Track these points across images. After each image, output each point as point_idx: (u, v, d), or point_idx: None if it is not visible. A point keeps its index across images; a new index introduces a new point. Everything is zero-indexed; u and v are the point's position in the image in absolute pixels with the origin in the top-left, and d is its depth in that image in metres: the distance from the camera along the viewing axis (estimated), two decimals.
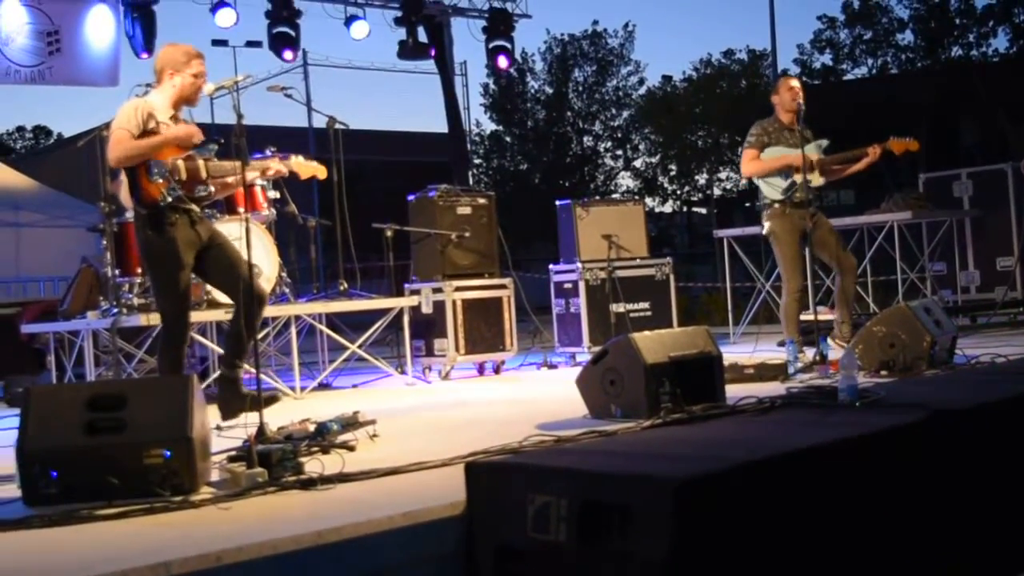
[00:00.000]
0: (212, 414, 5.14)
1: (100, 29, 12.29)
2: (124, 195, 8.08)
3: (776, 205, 8.15)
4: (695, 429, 4.94)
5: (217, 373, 8.71)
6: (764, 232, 8.31)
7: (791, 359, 7.34)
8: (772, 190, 8.19)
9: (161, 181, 6.05)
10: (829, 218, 8.57)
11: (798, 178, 8.06)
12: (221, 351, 8.41)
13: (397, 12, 15.52)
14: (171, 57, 6.26)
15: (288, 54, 14.31)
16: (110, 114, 6.26)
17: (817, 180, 8.15)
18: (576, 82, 43.25)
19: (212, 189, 6.34)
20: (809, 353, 7.67)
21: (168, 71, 6.26)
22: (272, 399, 6.34)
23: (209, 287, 7.81)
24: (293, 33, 14.09)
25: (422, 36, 16.22)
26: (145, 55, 12.52)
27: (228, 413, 6.31)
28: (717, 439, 4.50)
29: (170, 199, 6.07)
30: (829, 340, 8.06)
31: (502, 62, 16.19)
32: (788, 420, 4.88)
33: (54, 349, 9.25)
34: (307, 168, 6.99)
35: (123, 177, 6.54)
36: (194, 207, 6.23)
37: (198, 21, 18.84)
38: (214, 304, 8.01)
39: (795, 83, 8.34)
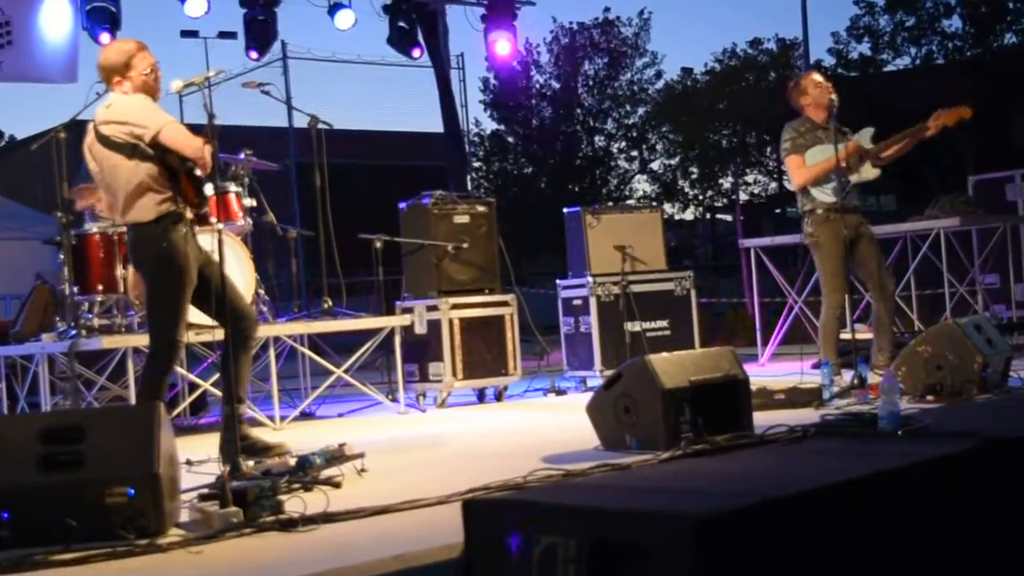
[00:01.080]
0: (181, 448, 5.15)
1: (56, 20, 12.32)
2: (87, 202, 8.11)
3: (820, 211, 8.15)
4: (719, 461, 4.94)
5: (188, 401, 8.76)
6: (804, 239, 8.31)
7: (826, 383, 7.33)
8: (824, 194, 8.17)
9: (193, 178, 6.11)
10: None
11: (853, 178, 8.10)
12: (207, 386, 8.43)
13: None
14: (111, 63, 6.26)
15: (253, 54, 14.34)
16: (67, 113, 6.29)
17: (870, 172, 8.15)
18: (586, 76, 43.31)
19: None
20: (846, 376, 7.67)
21: (115, 78, 6.27)
22: (279, 449, 6.33)
23: None
24: (269, 22, 14.11)
25: (415, 26, 16.22)
26: (106, 35, 12.52)
27: (230, 457, 6.22)
28: (743, 472, 4.50)
29: (202, 198, 6.20)
30: (871, 362, 8.06)
31: (502, 48, 16.18)
32: (822, 451, 4.87)
33: (5, 375, 9.26)
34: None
35: (85, 184, 6.57)
36: (191, 216, 6.28)
37: (165, 9, 18.91)
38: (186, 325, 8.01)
39: (819, 76, 8.37)
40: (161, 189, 6.10)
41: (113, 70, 6.25)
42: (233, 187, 8.67)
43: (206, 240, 7.00)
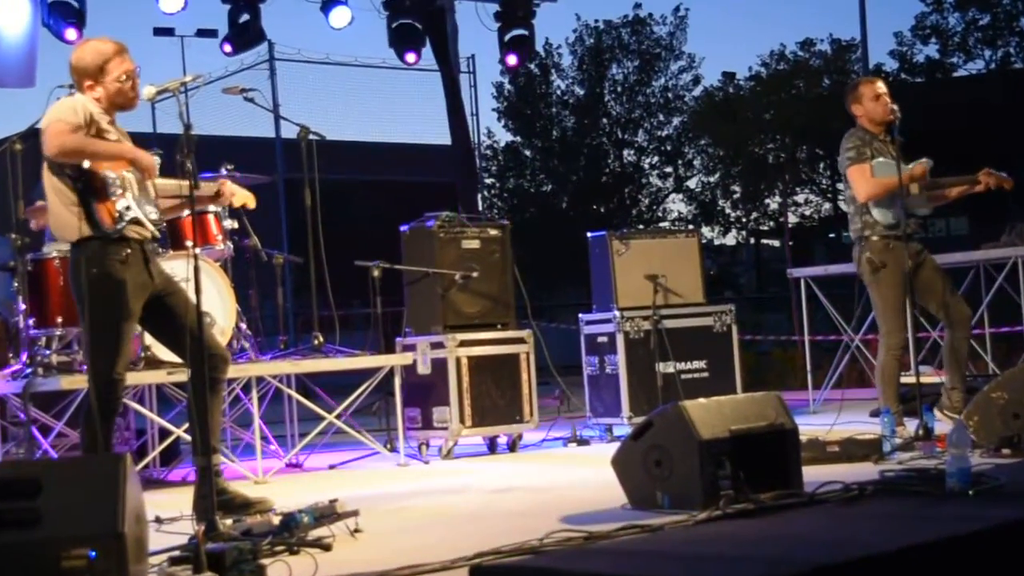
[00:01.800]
0: (150, 504, 5.15)
1: (12, 18, 12.39)
2: (44, 221, 8.13)
3: (876, 237, 8.14)
4: (763, 523, 4.92)
5: (158, 450, 8.77)
6: (859, 269, 8.29)
7: (887, 434, 7.31)
8: (885, 215, 8.15)
9: (115, 198, 6.10)
10: (935, 253, 8.57)
11: (911, 201, 8.10)
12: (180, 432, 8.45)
13: None
14: (84, 65, 6.31)
15: (227, 47, 14.41)
16: (23, 122, 6.32)
17: (923, 207, 8.16)
18: (614, 81, 43.42)
19: (161, 211, 6.41)
20: (910, 426, 7.64)
21: (86, 82, 6.31)
22: (261, 506, 6.33)
23: (148, 342, 7.85)
24: (253, 20, 14.19)
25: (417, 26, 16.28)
26: (72, 31, 12.57)
27: (205, 514, 6.20)
28: (790, 536, 4.49)
29: (127, 220, 6.12)
30: (936, 410, 8.03)
31: (512, 59, 16.26)
32: (882, 513, 4.86)
33: None
34: (241, 195, 7.03)
35: (44, 203, 6.59)
36: (147, 235, 6.28)
37: (137, 4, 19.00)
38: (154, 363, 8.03)
39: (881, 86, 8.36)
40: (76, 207, 6.11)
41: (85, 72, 6.30)
42: (212, 207, 8.70)
43: (179, 266, 7.04)
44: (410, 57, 15.68)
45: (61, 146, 6.01)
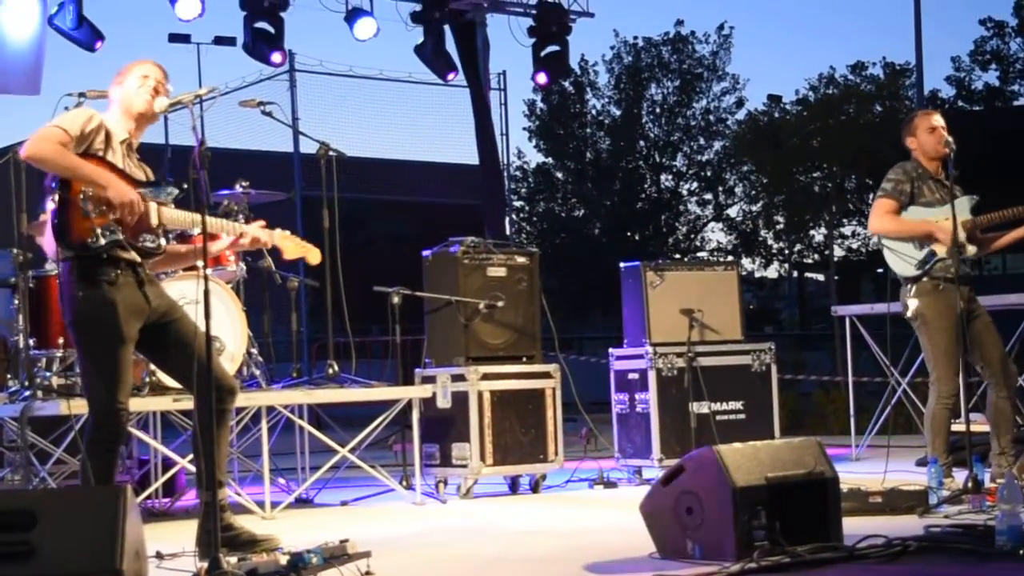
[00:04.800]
0: (151, 538, 5.16)
1: (18, 22, 12.48)
2: (46, 239, 8.18)
3: (925, 279, 8.12)
4: None
5: (160, 481, 8.78)
6: (908, 315, 8.26)
7: (934, 485, 7.28)
8: (901, 263, 8.15)
9: (96, 217, 6.11)
10: (991, 293, 8.52)
11: (939, 249, 8.04)
12: (180, 461, 8.47)
13: (414, 5, 15.67)
14: (116, 77, 6.48)
15: (276, 56, 14.49)
16: (27, 131, 6.36)
17: (967, 250, 8.13)
18: (652, 102, 43.50)
19: (163, 243, 6.38)
20: (959, 478, 7.60)
21: (110, 92, 6.47)
22: (268, 544, 6.34)
23: (153, 367, 7.86)
24: (274, 30, 14.25)
25: (448, 40, 16.34)
26: (100, 44, 12.78)
27: (208, 550, 6.17)
28: None
29: (103, 242, 6.11)
30: (988, 478, 7.98)
31: (541, 78, 16.32)
32: (926, 571, 4.85)
33: None
34: (295, 247, 6.97)
35: (45, 217, 6.61)
36: (136, 259, 6.29)
37: (153, 11, 19.13)
38: (159, 389, 8.05)
39: (938, 119, 8.35)
40: (59, 218, 6.12)
41: (118, 73, 6.47)
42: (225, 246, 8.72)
43: (188, 287, 7.03)
44: (451, 75, 15.79)
45: (36, 151, 6.04)
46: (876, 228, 8.30)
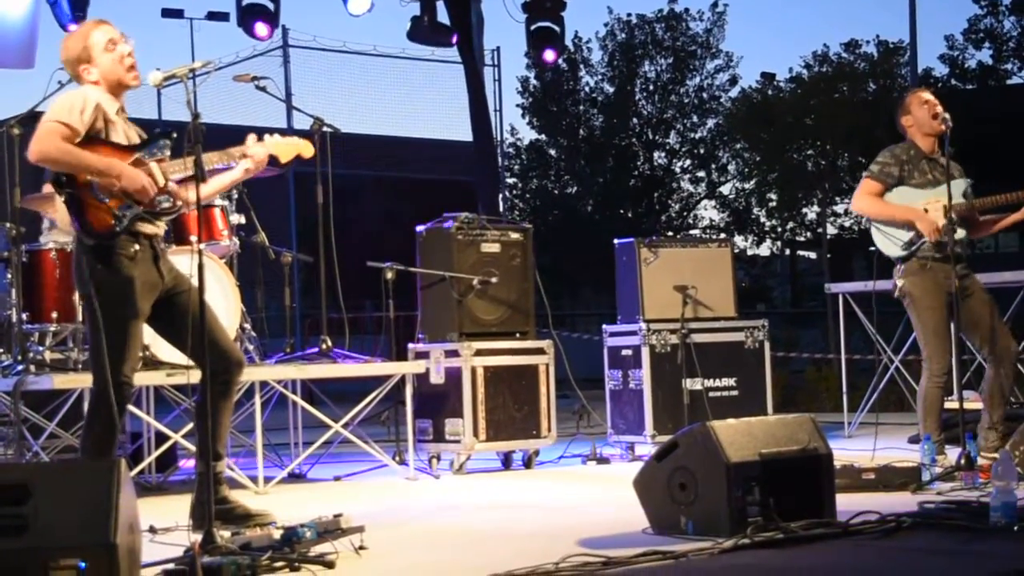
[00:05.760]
0: (144, 512, 5.15)
1: None
2: (60, 212, 8.16)
3: (915, 258, 8.12)
4: (792, 554, 4.91)
5: (154, 455, 8.78)
6: (896, 294, 8.27)
7: (927, 462, 7.29)
8: (888, 243, 8.15)
9: (109, 200, 6.09)
10: (983, 272, 8.51)
11: (923, 229, 8.03)
12: (163, 431, 8.46)
13: None
14: (72, 53, 6.38)
15: (262, 28, 14.43)
16: (20, 105, 6.34)
17: (960, 232, 8.11)
18: (646, 79, 43.41)
19: (176, 201, 6.34)
20: (952, 455, 7.61)
21: (81, 67, 6.36)
22: (262, 518, 6.33)
23: (148, 341, 7.84)
24: (271, 5, 14.20)
25: (442, 14, 16.32)
26: (74, 26, 12.66)
27: (202, 522, 6.17)
28: (821, 569, 4.47)
29: (127, 221, 6.11)
30: (978, 443, 8.00)
31: (549, 55, 16.28)
32: (920, 547, 4.85)
33: None
34: (288, 148, 6.94)
35: (49, 188, 6.61)
36: (158, 231, 6.31)
37: None
38: (153, 363, 8.04)
39: (927, 94, 8.33)
40: (73, 208, 6.12)
41: (76, 59, 6.37)
42: (218, 200, 8.71)
43: (180, 262, 7.01)
44: (447, 44, 15.75)
45: (43, 152, 6.04)
46: (858, 208, 8.36)
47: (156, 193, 6.22)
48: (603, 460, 9.64)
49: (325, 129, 9.31)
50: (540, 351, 9.54)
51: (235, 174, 6.73)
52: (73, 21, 12.68)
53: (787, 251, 47.79)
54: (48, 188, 7.72)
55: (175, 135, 6.34)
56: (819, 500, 5.76)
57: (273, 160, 6.93)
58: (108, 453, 6.16)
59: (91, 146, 6.11)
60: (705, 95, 43.37)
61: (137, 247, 6.20)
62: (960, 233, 8.09)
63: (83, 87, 6.31)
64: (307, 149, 6.99)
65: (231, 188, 7.38)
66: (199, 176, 5.84)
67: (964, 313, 8.07)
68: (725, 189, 44.47)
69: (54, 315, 8.29)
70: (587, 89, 43.39)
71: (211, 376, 6.36)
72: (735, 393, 9.93)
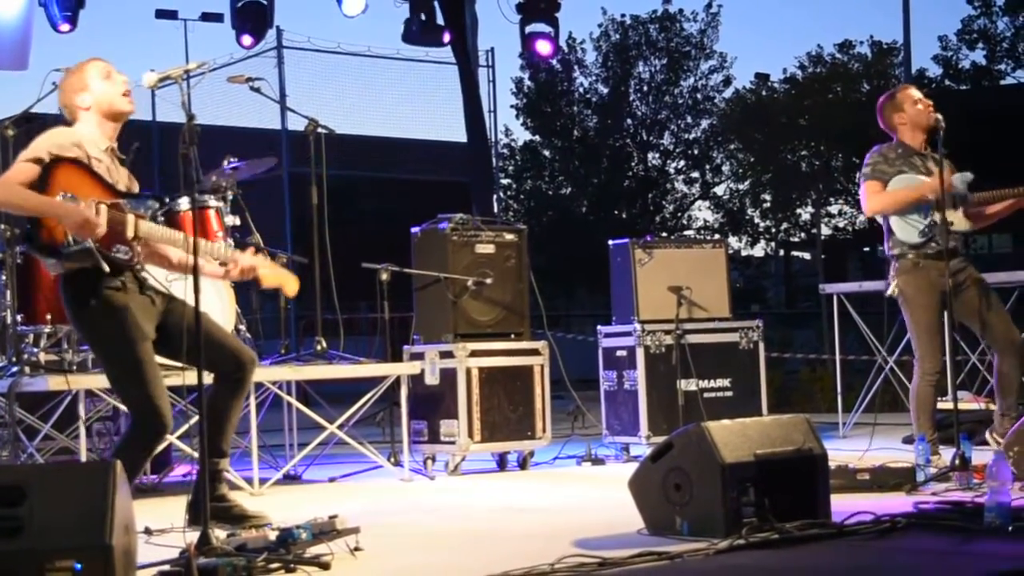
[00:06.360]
0: (140, 513, 5.15)
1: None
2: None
3: (908, 256, 8.12)
4: (787, 555, 4.91)
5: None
6: (888, 292, 8.28)
7: (921, 462, 7.29)
8: (908, 231, 8.11)
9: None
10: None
11: (938, 218, 8.04)
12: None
13: None
14: (68, 86, 6.35)
15: (246, 39, 14.44)
16: (13, 107, 6.32)
17: (961, 224, 8.12)
18: (640, 80, 43.46)
19: (137, 254, 6.19)
20: (946, 455, 7.62)
21: (76, 97, 6.30)
22: (258, 520, 6.33)
23: None
24: (264, 2, 14.21)
25: (436, 15, 16.33)
26: (66, 27, 12.67)
27: (199, 519, 6.12)
28: (816, 569, 4.48)
29: (75, 248, 5.96)
30: (988, 435, 8.01)
31: (543, 47, 16.25)
32: (915, 547, 4.85)
33: None
34: (273, 277, 6.72)
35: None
36: (132, 263, 6.22)
37: None
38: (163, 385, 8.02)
39: (917, 92, 8.35)
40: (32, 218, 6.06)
41: (72, 91, 6.31)
42: (213, 202, 8.71)
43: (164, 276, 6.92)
44: (446, 37, 15.74)
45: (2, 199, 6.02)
46: (872, 209, 8.25)
47: (114, 240, 6.13)
48: (598, 461, 9.64)
49: (319, 130, 9.32)
50: (535, 352, 9.54)
51: (213, 269, 6.59)
52: (65, 22, 12.69)
53: (781, 252, 47.85)
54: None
55: (168, 200, 6.32)
56: (814, 501, 5.75)
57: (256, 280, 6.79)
58: (133, 477, 6.09)
59: (69, 169, 6.04)
60: (699, 96, 43.46)
61: (123, 280, 6.15)
62: (964, 224, 8.11)
63: (64, 128, 6.26)
64: (291, 286, 6.78)
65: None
66: (196, 180, 5.83)
67: (963, 304, 8.10)
68: (719, 190, 44.58)
69: (48, 316, 8.29)
70: (581, 90, 43.46)
71: (224, 376, 6.36)
72: (730, 394, 9.93)
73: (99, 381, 7.61)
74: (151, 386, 6.13)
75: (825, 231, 43.63)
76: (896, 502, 6.24)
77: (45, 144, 6.06)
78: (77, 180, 6.06)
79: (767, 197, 43.78)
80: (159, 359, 6.40)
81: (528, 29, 16.13)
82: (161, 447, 8.65)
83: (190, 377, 6.30)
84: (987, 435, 7.97)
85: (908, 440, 9.36)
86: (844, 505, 5.81)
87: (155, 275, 6.50)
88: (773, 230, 45.25)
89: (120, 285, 6.12)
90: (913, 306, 8.14)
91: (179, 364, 6.57)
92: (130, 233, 6.16)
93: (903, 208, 8.13)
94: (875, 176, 8.21)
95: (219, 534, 5.44)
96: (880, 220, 8.42)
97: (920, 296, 8.09)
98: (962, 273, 8.15)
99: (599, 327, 10.26)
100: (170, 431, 6.43)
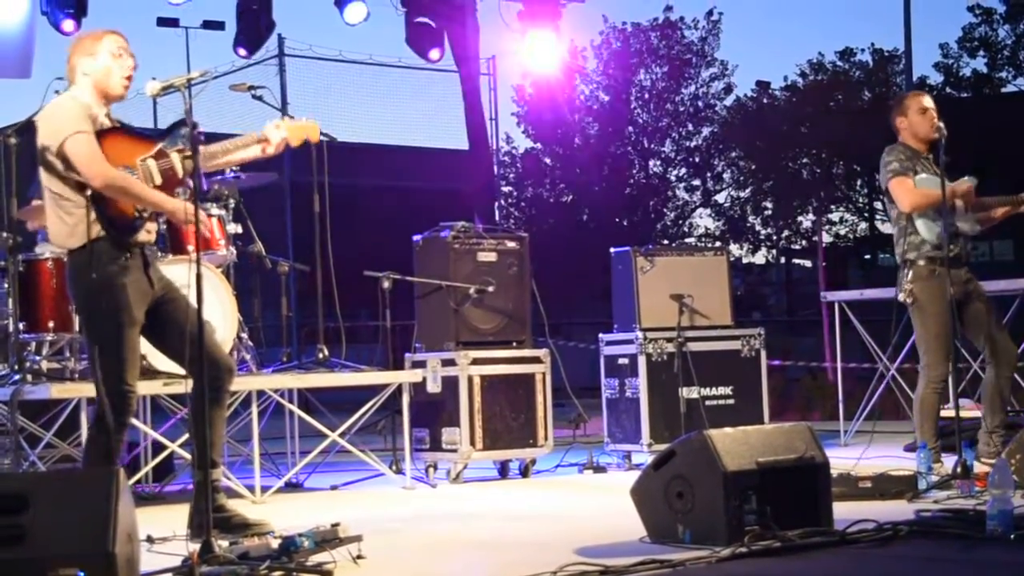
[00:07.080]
0: (142, 522, 5.15)
1: (9, 7, 12.44)
2: (41, 223, 8.16)
3: (921, 262, 8.09)
4: (789, 563, 4.91)
5: (151, 465, 8.78)
6: (902, 298, 8.25)
7: (923, 470, 7.29)
8: (931, 230, 8.06)
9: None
10: (978, 280, 8.54)
11: (960, 225, 8.05)
12: (155, 436, 8.46)
13: None
14: (81, 47, 6.41)
15: (242, 51, 14.45)
16: (16, 115, 6.36)
17: (971, 226, 8.13)
18: (641, 87, 43.46)
19: (188, 193, 6.35)
20: (948, 463, 7.61)
21: (80, 60, 6.37)
22: (260, 528, 6.33)
23: (145, 350, 7.84)
24: (264, 12, 14.21)
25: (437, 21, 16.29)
26: (71, 23, 12.66)
27: (200, 531, 6.14)
28: None
29: (146, 215, 6.22)
30: (975, 460, 7.99)
31: (541, 59, 16.23)
32: (917, 555, 4.85)
33: None
34: (298, 131, 7.01)
35: (39, 202, 6.62)
36: (150, 238, 6.39)
37: None
38: (150, 373, 8.03)
39: (929, 101, 8.34)
40: (76, 209, 6.16)
41: (78, 53, 6.38)
42: (215, 210, 8.71)
43: (178, 272, 7.01)
44: (434, 53, 15.67)
45: (108, 181, 6.11)
46: (915, 203, 8.08)
47: (174, 185, 6.29)
48: (600, 469, 9.64)
49: (321, 138, 9.31)
50: (536, 360, 9.54)
51: (250, 152, 6.85)
52: (70, 17, 12.69)
53: (782, 259, 47.81)
54: (37, 201, 7.73)
55: (196, 123, 6.37)
56: (816, 508, 5.76)
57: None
58: (110, 461, 6.15)
59: (108, 137, 6.16)
60: (700, 103, 43.46)
61: (128, 255, 6.22)
62: (975, 228, 8.11)
63: (70, 95, 6.32)
64: (314, 132, 7.11)
65: (240, 163, 7.40)
66: (197, 187, 5.85)
67: (968, 315, 8.11)
68: (720, 197, 44.59)
69: (51, 324, 8.29)
70: (582, 97, 43.42)
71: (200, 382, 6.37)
72: (731, 401, 9.92)
73: None
74: (126, 371, 6.24)
75: (826, 239, 43.61)
76: (898, 510, 6.24)
77: (76, 120, 6.14)
78: (119, 148, 6.22)
79: (768, 205, 43.83)
80: (162, 365, 6.45)
81: (530, 35, 16.12)
82: (162, 456, 8.70)
83: (190, 386, 6.35)
84: (975, 459, 7.92)
85: (909, 448, 9.36)
86: (846, 513, 5.81)
87: (177, 275, 6.56)
88: (774, 238, 45.28)
89: (124, 263, 6.20)
90: (926, 314, 8.12)
91: (176, 366, 6.63)
92: (181, 173, 6.29)
93: (934, 207, 8.07)
94: (904, 171, 8.12)
95: (222, 542, 5.44)
96: (893, 224, 8.39)
97: (933, 304, 8.07)
98: (970, 284, 8.16)
99: (601, 335, 10.26)
100: (131, 418, 6.47)
